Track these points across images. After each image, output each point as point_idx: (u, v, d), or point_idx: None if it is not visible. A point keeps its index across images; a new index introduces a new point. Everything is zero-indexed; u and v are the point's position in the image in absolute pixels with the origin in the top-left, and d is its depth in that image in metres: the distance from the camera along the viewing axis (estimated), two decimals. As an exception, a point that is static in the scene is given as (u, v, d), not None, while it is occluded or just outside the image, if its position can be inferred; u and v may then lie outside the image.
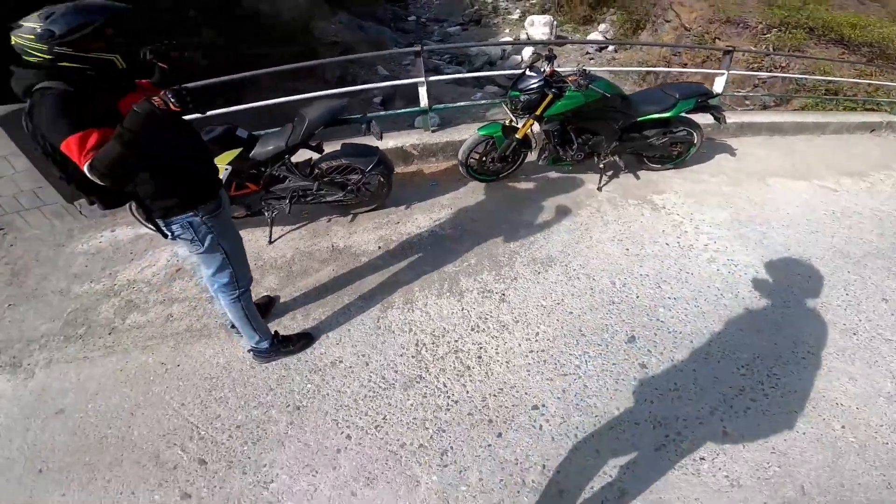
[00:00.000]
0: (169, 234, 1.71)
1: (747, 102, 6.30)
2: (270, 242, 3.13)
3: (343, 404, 2.08)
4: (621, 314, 2.43)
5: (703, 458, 1.80)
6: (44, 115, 1.32)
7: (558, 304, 2.51)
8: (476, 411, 2.02)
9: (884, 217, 3.31)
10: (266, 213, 3.04)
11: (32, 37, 1.29)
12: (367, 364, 2.25)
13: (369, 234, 3.13)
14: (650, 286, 2.60)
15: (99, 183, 1.33)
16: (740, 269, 2.71)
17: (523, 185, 3.53)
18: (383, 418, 2.01)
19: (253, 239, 3.17)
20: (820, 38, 7.95)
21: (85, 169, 1.30)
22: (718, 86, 4.36)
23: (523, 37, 12.26)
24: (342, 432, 1.97)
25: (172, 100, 1.30)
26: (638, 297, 2.53)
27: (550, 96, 2.99)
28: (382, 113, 3.88)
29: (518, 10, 16.23)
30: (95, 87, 1.39)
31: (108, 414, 2.14)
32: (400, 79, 5.11)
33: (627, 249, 2.87)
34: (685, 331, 2.33)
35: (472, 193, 3.46)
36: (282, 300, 2.65)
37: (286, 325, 2.50)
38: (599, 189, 3.44)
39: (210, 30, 8.12)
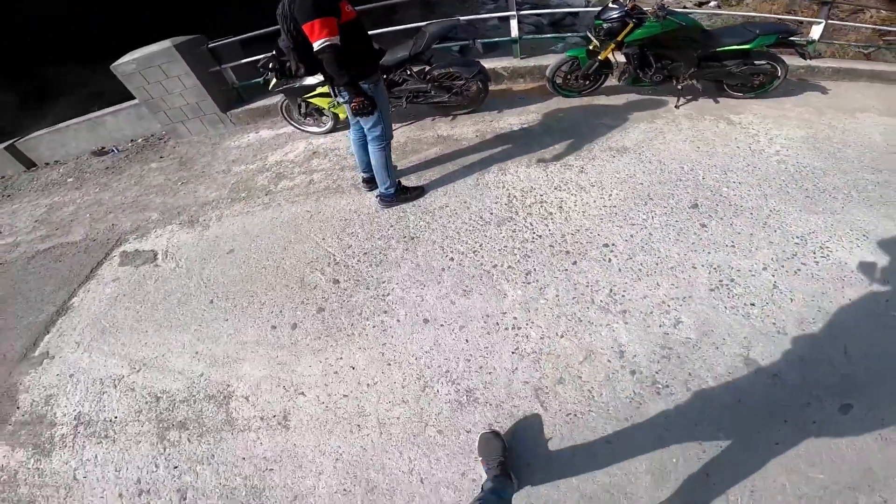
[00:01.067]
0: (343, 94, 2.38)
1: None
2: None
3: (448, 236, 2.72)
4: (687, 188, 2.81)
5: (752, 304, 2.11)
6: (300, 4, 2.02)
7: (630, 177, 2.95)
8: (556, 244, 2.55)
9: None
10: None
11: None
12: (468, 208, 2.88)
13: (468, 128, 3.74)
14: (717, 172, 2.93)
15: (323, 49, 2.05)
16: (808, 170, 2.91)
17: (604, 101, 3.90)
18: (480, 246, 2.62)
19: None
20: None
21: (316, 45, 2.04)
22: (815, 33, 4.30)
23: None
24: (447, 255, 2.60)
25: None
26: (703, 178, 2.88)
27: (631, 24, 3.31)
28: (482, 40, 4.42)
29: None
30: None
31: (267, 250, 2.93)
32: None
33: (699, 147, 3.18)
34: (746, 205, 2.65)
35: (557, 104, 3.91)
36: (398, 169, 3.34)
37: (407, 181, 3.20)
38: (677, 107, 3.71)
39: None
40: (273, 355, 2.28)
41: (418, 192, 3.04)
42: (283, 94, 3.69)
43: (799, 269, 2.26)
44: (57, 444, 2.18)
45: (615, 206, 2.73)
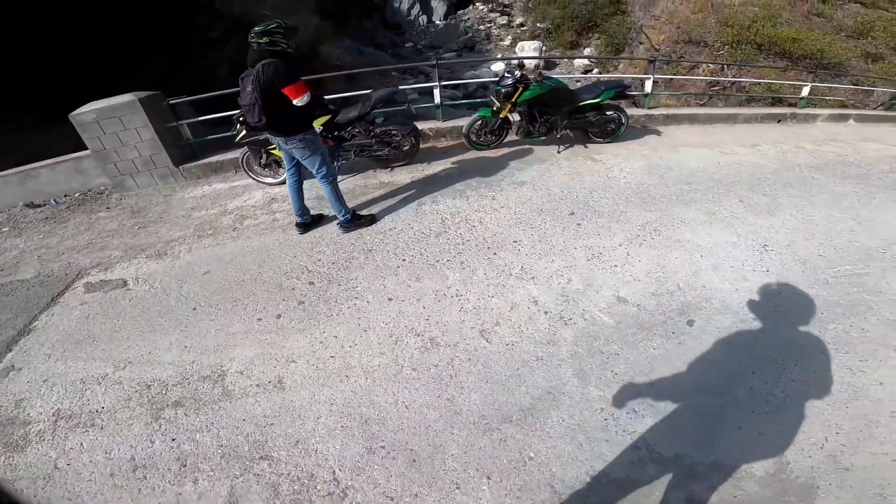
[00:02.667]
0: (290, 142, 3.13)
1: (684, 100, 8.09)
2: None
3: (398, 246, 3.47)
4: (566, 203, 3.93)
5: (615, 265, 3.14)
6: (277, 71, 2.79)
7: (528, 199, 4.01)
8: (480, 244, 3.42)
9: (757, 166, 4.85)
10: (334, 162, 4.51)
11: (282, 31, 2.81)
12: (412, 228, 3.67)
13: (404, 175, 4.62)
14: (585, 192, 4.11)
15: (303, 105, 2.84)
16: (644, 186, 4.21)
17: (507, 151, 5.08)
18: (424, 250, 3.40)
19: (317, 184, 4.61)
20: (767, 52, 9.88)
21: (305, 97, 2.84)
22: (648, 87, 6.08)
23: (514, 62, 14.62)
24: (399, 258, 3.34)
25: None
26: (577, 196, 4.04)
27: (521, 89, 4.59)
28: (414, 105, 5.52)
29: (509, 37, 18.34)
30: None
31: (243, 269, 3.42)
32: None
33: (573, 178, 4.38)
34: (605, 210, 3.80)
35: (473, 156, 4.99)
36: (351, 205, 4.06)
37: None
38: (559, 152, 4.99)
39: (232, 47, 9.85)
40: (262, 339, 2.74)
41: (371, 218, 3.77)
42: (245, 147, 4.32)
43: (642, 243, 3.37)
44: (32, 440, 2.30)
45: (519, 218, 3.73)
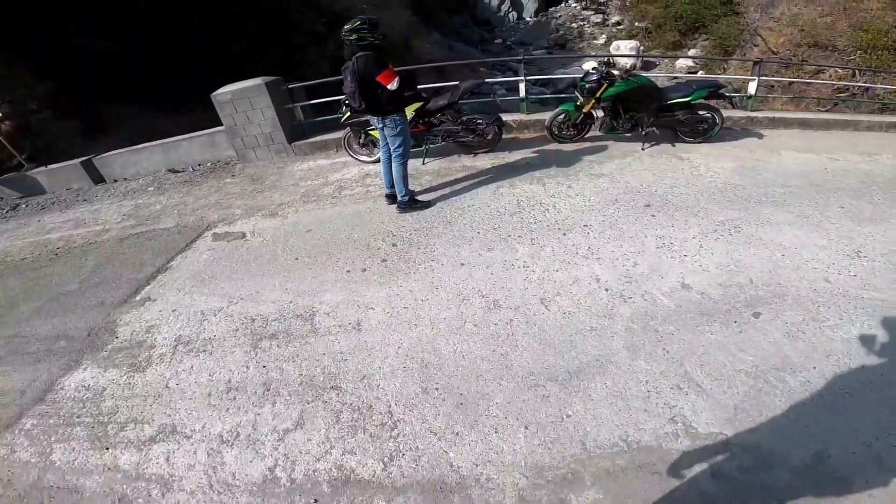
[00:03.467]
0: (385, 122, 3.55)
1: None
2: (424, 163, 5.00)
3: (475, 220, 3.76)
4: (643, 196, 3.95)
5: (685, 255, 3.14)
6: (367, 62, 3.24)
7: (604, 190, 4.08)
8: (551, 225, 3.60)
9: (870, 174, 4.39)
10: (423, 146, 4.92)
11: (367, 27, 3.23)
12: (488, 206, 3.95)
13: (486, 161, 4.91)
14: (666, 187, 4.07)
15: (396, 88, 3.25)
16: (732, 186, 4.05)
17: (588, 145, 5.14)
18: (498, 226, 3.65)
19: (413, 160, 5.02)
20: None
21: (395, 81, 3.22)
22: (751, 89, 5.73)
23: (621, 63, 14.18)
24: (475, 230, 3.62)
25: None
26: (656, 190, 4.03)
27: (605, 85, 4.63)
28: (499, 98, 5.81)
29: (604, 36, 17.54)
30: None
31: (338, 230, 3.93)
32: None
33: (654, 174, 4.35)
34: (684, 204, 3.75)
35: (554, 148, 5.13)
36: (435, 186, 4.45)
37: (442, 197, 4.27)
38: (643, 149, 4.94)
39: (333, 41, 10.57)
40: (348, 287, 3.18)
41: (427, 204, 4.09)
42: (348, 128, 4.88)
43: (718, 238, 3.31)
44: (154, 362, 2.73)
45: (592, 206, 3.83)
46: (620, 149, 5.00)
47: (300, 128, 5.95)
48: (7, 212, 5.92)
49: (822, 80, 8.91)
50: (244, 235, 4.12)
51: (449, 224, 3.76)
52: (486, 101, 5.37)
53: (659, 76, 11.38)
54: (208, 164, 6.21)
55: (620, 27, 18.48)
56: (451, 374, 2.43)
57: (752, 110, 5.84)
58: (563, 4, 21.90)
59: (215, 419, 2.36)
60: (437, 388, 2.36)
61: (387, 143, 3.82)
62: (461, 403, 2.26)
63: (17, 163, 6.48)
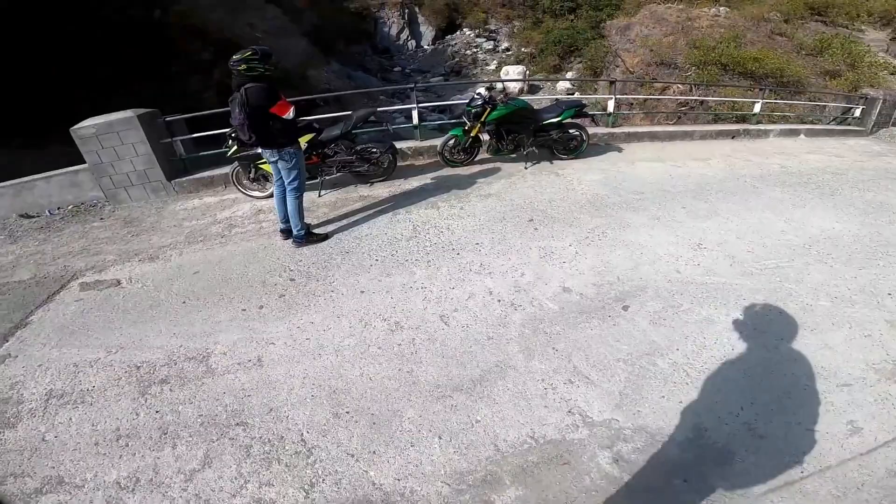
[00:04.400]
0: (281, 154, 3.52)
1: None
2: (320, 196, 4.96)
3: (372, 248, 3.83)
4: (526, 211, 4.35)
5: (564, 262, 3.53)
6: (259, 94, 3.20)
7: (492, 209, 4.41)
8: (446, 247, 3.79)
9: (705, 177, 5.32)
10: (319, 177, 4.89)
11: (258, 57, 3.21)
12: (386, 233, 4.04)
13: (382, 190, 5.02)
14: (545, 202, 4.53)
15: (290, 120, 3.23)
16: (599, 196, 4.65)
17: (477, 168, 5.53)
18: (395, 251, 3.76)
19: (309, 193, 4.97)
20: (731, 72, 10.54)
21: (291, 111, 3.23)
22: (610, 107, 6.62)
23: (499, 87, 15.34)
24: (373, 258, 3.69)
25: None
26: (537, 206, 4.46)
27: (489, 109, 5.05)
28: (392, 126, 5.99)
29: (495, 62, 19.07)
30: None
31: (230, 270, 3.72)
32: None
33: (536, 190, 4.82)
34: (561, 217, 4.21)
35: (446, 172, 5.42)
36: (330, 218, 4.44)
37: (341, 223, 4.28)
38: (525, 168, 5.45)
39: (220, 70, 10.12)
40: (245, 325, 3.04)
41: (324, 237, 4.06)
42: (236, 163, 4.69)
43: (590, 243, 3.77)
44: (24, 417, 2.49)
45: (483, 224, 4.13)
46: (507, 169, 5.44)
47: (181, 164, 5.53)
48: None
49: (669, 95, 10.50)
50: (119, 283, 3.73)
51: (347, 254, 3.78)
52: (381, 129, 5.48)
53: (542, 98, 12.55)
54: (70, 207, 5.49)
55: (509, 53, 20.05)
56: (361, 397, 2.45)
57: (612, 126, 6.75)
58: (458, 32, 23.06)
59: (108, 467, 2.17)
60: (347, 412, 2.37)
61: (280, 177, 3.74)
62: (374, 423, 2.30)
63: None
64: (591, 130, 5.94)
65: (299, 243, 3.93)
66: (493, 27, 22.49)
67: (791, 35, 12.10)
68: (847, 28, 12.81)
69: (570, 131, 5.50)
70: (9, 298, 3.68)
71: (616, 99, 6.65)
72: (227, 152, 4.46)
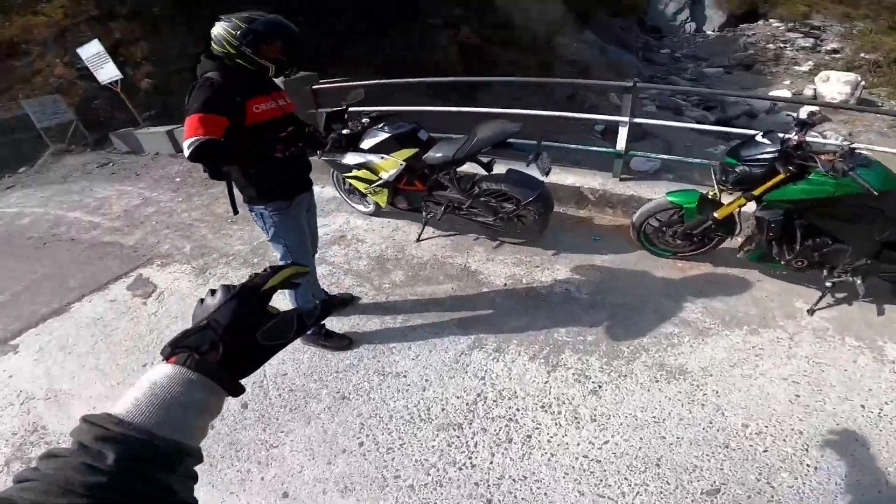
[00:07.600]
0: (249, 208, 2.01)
1: None
2: (418, 240, 3.37)
3: (378, 414, 2.11)
4: (726, 462, 1.76)
5: None
6: (193, 93, 1.66)
7: (655, 422, 1.96)
8: (484, 485, 1.77)
9: None
10: (423, 213, 3.25)
11: (234, 32, 1.64)
12: (424, 390, 2.21)
13: (504, 267, 3.03)
14: (795, 444, 1.79)
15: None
16: None
17: (702, 272, 2.84)
18: (401, 444, 1.96)
19: (406, 232, 3.48)
20: None
21: (185, 143, 1.60)
22: None
23: (808, 93, 10.08)
24: (359, 438, 2.00)
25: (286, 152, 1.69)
26: (766, 451, 1.78)
27: (784, 175, 2.24)
28: (558, 144, 3.73)
29: (810, 62, 13.63)
30: (240, 84, 1.69)
31: None
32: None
33: (798, 396, 2.01)
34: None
35: (635, 264, 2.97)
36: (401, 298, 2.83)
37: (390, 320, 2.65)
38: (811, 312, 2.46)
39: (469, 28, 9.24)
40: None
41: (344, 343, 2.47)
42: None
43: None
44: None
45: (599, 462, 1.81)
46: (762, 298, 2.60)
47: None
48: (96, 167, 6.28)
49: None
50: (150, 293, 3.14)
51: (343, 401, 2.19)
52: (530, 153, 3.10)
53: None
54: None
55: (837, 56, 14.01)
56: None
57: None
58: (760, 22, 18.98)
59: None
60: None
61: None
62: None
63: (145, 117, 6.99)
64: None
65: (307, 339, 2.49)
66: (816, 23, 17.63)
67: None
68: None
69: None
70: (95, 268, 3.59)
71: None
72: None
